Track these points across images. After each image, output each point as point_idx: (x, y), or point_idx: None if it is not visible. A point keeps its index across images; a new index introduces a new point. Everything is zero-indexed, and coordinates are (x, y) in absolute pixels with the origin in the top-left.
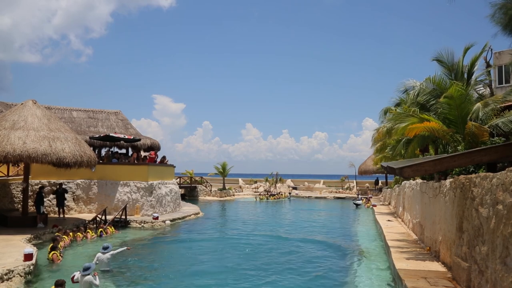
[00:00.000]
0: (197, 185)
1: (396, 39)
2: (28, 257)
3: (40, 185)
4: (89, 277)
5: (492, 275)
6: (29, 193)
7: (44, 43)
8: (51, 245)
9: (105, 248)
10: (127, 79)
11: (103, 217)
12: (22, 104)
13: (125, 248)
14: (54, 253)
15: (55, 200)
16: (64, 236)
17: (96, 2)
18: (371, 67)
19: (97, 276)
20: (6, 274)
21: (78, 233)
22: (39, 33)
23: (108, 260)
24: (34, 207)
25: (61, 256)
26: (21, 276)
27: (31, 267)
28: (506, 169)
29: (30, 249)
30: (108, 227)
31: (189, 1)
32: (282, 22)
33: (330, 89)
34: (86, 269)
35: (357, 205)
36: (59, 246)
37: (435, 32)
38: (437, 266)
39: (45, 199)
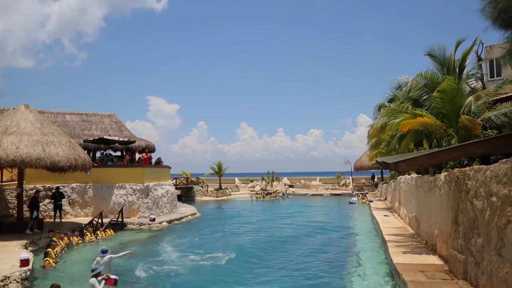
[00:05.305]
0: (193, 186)
1: (389, 35)
2: (24, 262)
3: (35, 190)
4: (93, 280)
5: (488, 266)
6: (24, 198)
7: (37, 48)
8: (45, 251)
9: (104, 252)
10: (121, 81)
11: (100, 220)
12: (14, 108)
13: (128, 251)
14: (46, 260)
15: (50, 204)
16: (59, 241)
17: (90, 6)
18: (365, 64)
19: (103, 281)
20: (2, 281)
21: (74, 237)
22: (33, 38)
23: (107, 264)
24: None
25: (55, 262)
26: (17, 282)
27: (28, 273)
28: (499, 161)
29: (26, 254)
30: (107, 229)
31: (181, 3)
32: (275, 21)
33: (324, 86)
34: (92, 271)
35: (351, 203)
36: (52, 251)
37: (427, 27)
38: (434, 259)
39: (40, 204)
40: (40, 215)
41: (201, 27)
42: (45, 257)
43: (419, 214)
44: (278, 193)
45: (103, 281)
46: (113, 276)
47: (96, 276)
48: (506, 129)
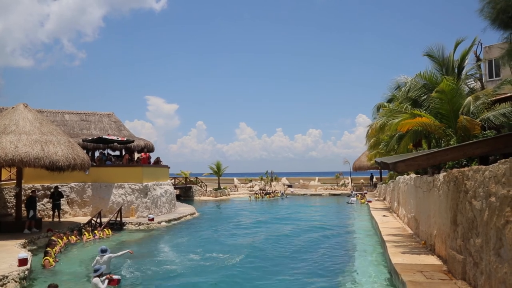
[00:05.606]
0: (192, 186)
1: (388, 35)
2: (22, 262)
3: (32, 189)
4: (96, 280)
5: (487, 266)
6: (23, 198)
7: (36, 47)
8: (45, 250)
9: (103, 251)
10: (120, 81)
11: (98, 220)
12: (13, 108)
13: (127, 251)
14: (46, 259)
15: (49, 204)
16: (58, 240)
17: (89, 6)
18: (364, 64)
19: (106, 281)
20: (0, 280)
21: (72, 237)
22: (32, 38)
23: (106, 263)
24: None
25: (54, 262)
26: (15, 281)
27: (26, 272)
28: (498, 161)
29: (25, 254)
30: (105, 229)
31: (181, 3)
32: (274, 21)
33: (323, 86)
34: (95, 271)
35: (349, 203)
36: (52, 251)
37: (427, 27)
38: (432, 260)
39: (39, 203)
40: (38, 214)
41: (200, 27)
42: (45, 256)
43: (418, 214)
44: (277, 193)
45: (107, 281)
46: (116, 277)
47: (99, 276)
48: (505, 129)
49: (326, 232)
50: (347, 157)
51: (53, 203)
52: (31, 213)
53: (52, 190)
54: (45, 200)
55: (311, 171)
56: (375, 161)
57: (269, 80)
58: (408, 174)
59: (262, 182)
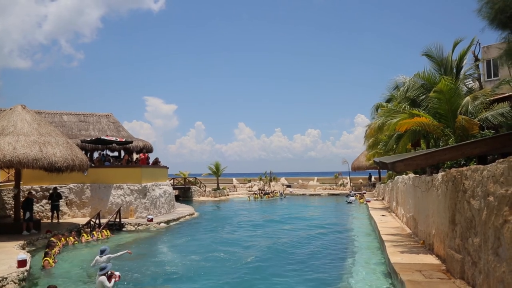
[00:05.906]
0: (191, 186)
1: (388, 35)
2: (21, 263)
3: (29, 191)
4: (102, 278)
5: (485, 265)
6: (22, 199)
7: (34, 48)
8: (45, 251)
9: (103, 252)
10: (118, 81)
11: (97, 221)
12: (11, 109)
13: (126, 251)
14: (46, 260)
15: (48, 205)
16: (57, 241)
17: (86, 7)
18: (363, 64)
19: (113, 280)
20: None
21: (70, 238)
22: (30, 39)
23: (106, 264)
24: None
25: (54, 262)
26: (15, 283)
27: (25, 274)
28: (496, 161)
29: (24, 255)
30: (103, 230)
31: (179, 3)
32: (273, 21)
33: (322, 86)
34: (101, 269)
35: (349, 203)
36: (52, 252)
37: (427, 27)
38: (431, 259)
39: (37, 204)
40: (37, 216)
41: (198, 27)
42: (44, 257)
43: (416, 214)
44: (275, 193)
45: (113, 280)
46: (117, 273)
47: (105, 274)
48: (503, 129)
49: (324, 232)
50: (346, 157)
51: (52, 204)
52: (28, 214)
53: (50, 191)
54: (44, 201)
55: (310, 171)
56: (374, 161)
57: (268, 80)
58: (406, 174)
59: (261, 182)
